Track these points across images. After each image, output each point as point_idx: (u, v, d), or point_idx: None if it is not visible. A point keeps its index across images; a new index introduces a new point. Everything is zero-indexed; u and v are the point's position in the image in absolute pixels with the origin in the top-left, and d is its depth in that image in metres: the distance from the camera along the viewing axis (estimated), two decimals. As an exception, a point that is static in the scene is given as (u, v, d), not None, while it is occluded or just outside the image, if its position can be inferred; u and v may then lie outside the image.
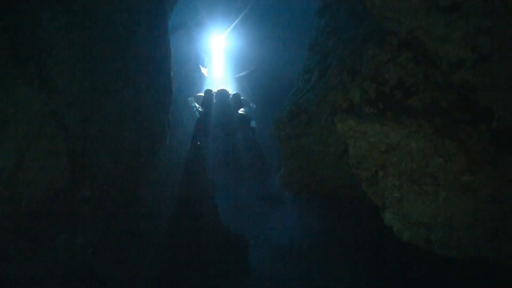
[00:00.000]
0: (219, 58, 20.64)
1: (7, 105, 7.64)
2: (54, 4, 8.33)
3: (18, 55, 7.80)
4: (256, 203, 16.97)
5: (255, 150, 12.74)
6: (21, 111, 7.84)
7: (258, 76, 17.88)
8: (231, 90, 13.06)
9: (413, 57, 6.71)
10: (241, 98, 10.10)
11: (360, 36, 8.23)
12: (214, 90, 11.08)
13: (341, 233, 13.13)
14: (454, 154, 6.32)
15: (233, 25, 19.25)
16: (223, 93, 9.71)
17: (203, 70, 13.22)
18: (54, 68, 8.40)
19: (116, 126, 10.09)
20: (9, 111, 7.67)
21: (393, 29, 6.83)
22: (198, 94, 10.34)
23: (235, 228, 14.86)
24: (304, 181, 10.10)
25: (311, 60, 10.29)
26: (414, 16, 6.39)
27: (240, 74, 12.37)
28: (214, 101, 9.75)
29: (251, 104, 10.34)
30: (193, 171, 13.01)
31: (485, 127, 6.27)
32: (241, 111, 10.15)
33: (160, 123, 11.64)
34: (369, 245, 11.78)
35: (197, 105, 10.20)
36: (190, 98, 10.27)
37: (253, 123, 10.23)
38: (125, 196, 10.92)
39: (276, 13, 20.40)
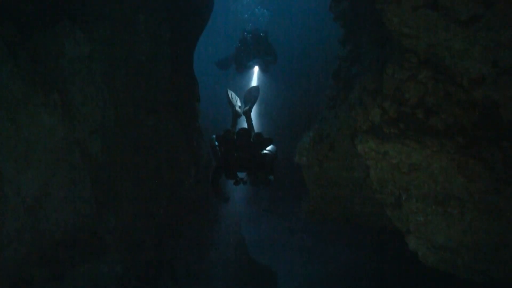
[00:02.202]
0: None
1: (31, 133, 7.68)
2: (77, 33, 8.42)
3: (41, 83, 7.86)
4: (284, 234, 16.80)
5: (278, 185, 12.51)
6: (44, 139, 7.88)
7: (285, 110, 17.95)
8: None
9: (433, 75, 6.54)
10: (265, 137, 9.98)
11: (382, 59, 8.11)
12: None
13: (369, 264, 12.86)
14: (478, 174, 6.10)
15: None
16: (244, 132, 9.60)
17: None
18: (77, 96, 8.45)
19: (139, 154, 10.07)
20: (32, 139, 7.71)
21: (412, 47, 6.68)
22: (218, 134, 10.25)
23: (262, 260, 14.66)
24: (328, 209, 9.92)
25: (334, 88, 10.19)
26: (432, 31, 6.26)
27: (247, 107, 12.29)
28: (235, 141, 9.65)
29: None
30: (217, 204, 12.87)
31: (510, 144, 6.01)
32: (266, 150, 10.02)
33: (185, 153, 11.58)
34: (397, 275, 11.49)
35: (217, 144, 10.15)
36: (213, 136, 10.18)
37: (272, 177, 10.08)
38: (151, 226, 10.84)
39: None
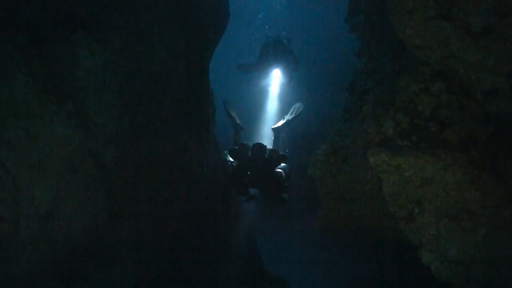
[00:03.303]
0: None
1: (45, 142, 7.70)
2: (91, 43, 8.44)
3: (55, 93, 7.89)
4: (300, 247, 16.69)
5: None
6: (58, 149, 7.89)
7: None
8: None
9: (446, 87, 6.49)
10: (280, 153, 9.86)
11: (396, 72, 8.07)
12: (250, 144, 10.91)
13: (385, 278, 12.74)
14: (492, 188, 6.02)
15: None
16: (259, 147, 9.48)
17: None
18: (91, 106, 8.46)
19: (154, 165, 10.06)
20: (46, 148, 7.72)
21: (425, 59, 6.64)
22: (232, 148, 10.13)
23: (277, 273, 14.56)
24: (341, 222, 9.84)
25: (349, 100, 10.16)
26: (445, 43, 6.21)
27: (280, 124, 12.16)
28: (250, 156, 9.54)
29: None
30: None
31: (524, 158, 5.94)
32: (279, 168, 9.92)
33: (199, 164, 11.57)
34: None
35: (231, 159, 10.02)
36: (225, 151, 10.11)
37: (285, 196, 9.97)
38: (164, 238, 10.82)
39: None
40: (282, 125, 11.88)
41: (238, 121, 11.89)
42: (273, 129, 11.68)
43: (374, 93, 8.29)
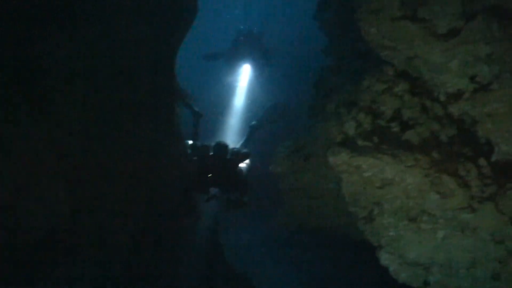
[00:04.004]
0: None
1: (7, 131, 7.52)
2: (57, 35, 8.28)
3: (20, 82, 7.71)
4: (263, 244, 16.65)
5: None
6: (20, 138, 7.72)
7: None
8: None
9: (410, 88, 6.44)
10: (243, 151, 9.78)
11: (361, 71, 8.03)
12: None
13: (345, 277, 12.76)
14: (452, 191, 5.99)
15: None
16: (221, 148, 9.40)
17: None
18: (56, 97, 8.30)
19: (118, 157, 9.92)
20: (8, 137, 7.55)
21: (390, 59, 6.59)
22: (194, 144, 10.01)
23: (240, 269, 14.51)
24: (303, 219, 9.82)
25: (315, 98, 10.12)
26: (410, 44, 6.15)
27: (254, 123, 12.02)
28: (211, 155, 9.46)
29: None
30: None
31: (486, 162, 5.91)
32: (241, 165, 9.84)
33: (165, 158, 11.44)
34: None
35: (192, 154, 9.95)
36: (188, 142, 10.02)
37: (247, 198, 9.89)
38: (128, 229, 10.68)
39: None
40: (259, 124, 11.79)
41: (196, 108, 11.72)
42: (251, 127, 11.57)
43: (338, 91, 8.24)
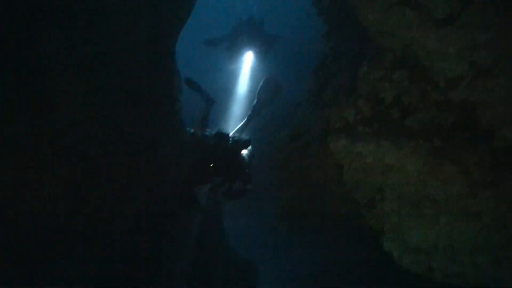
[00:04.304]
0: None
1: (3, 124, 7.51)
2: (53, 28, 8.24)
3: (17, 76, 7.69)
4: (265, 231, 16.64)
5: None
6: (19, 138, 7.71)
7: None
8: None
9: (408, 75, 6.40)
10: (244, 139, 9.72)
11: (359, 57, 7.98)
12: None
13: (350, 263, 12.77)
14: (453, 177, 5.98)
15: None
16: (221, 137, 9.33)
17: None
18: (53, 90, 8.28)
19: (116, 150, 9.89)
20: (4, 131, 7.54)
21: (388, 45, 6.55)
22: (192, 132, 9.94)
23: (244, 255, 14.54)
24: (302, 208, 9.80)
25: (315, 84, 10.07)
26: (408, 30, 6.11)
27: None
28: (211, 144, 9.39)
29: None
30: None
31: (486, 147, 5.88)
32: (243, 153, 9.79)
33: (165, 150, 11.41)
34: (375, 274, 11.39)
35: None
36: (189, 130, 9.96)
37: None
38: (127, 224, 10.66)
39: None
40: (256, 108, 11.69)
41: (208, 93, 11.60)
42: (253, 107, 11.47)
43: (337, 78, 8.20)
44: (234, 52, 18.51)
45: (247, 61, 19.13)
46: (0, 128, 7.34)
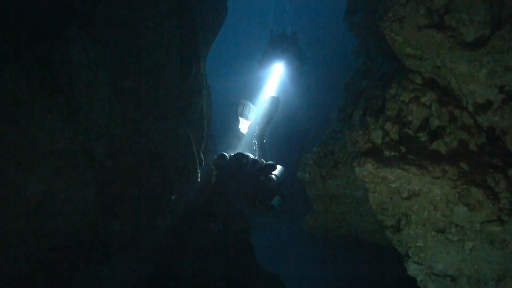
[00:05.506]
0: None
1: (36, 135, 7.64)
2: (84, 38, 8.35)
3: (47, 87, 7.81)
4: (295, 243, 16.59)
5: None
6: (49, 142, 7.83)
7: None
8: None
9: (437, 98, 6.30)
10: (266, 163, 9.68)
11: (390, 75, 7.89)
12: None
13: (374, 280, 12.66)
14: (481, 202, 5.84)
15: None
16: (238, 158, 9.30)
17: (243, 124, 12.35)
18: (83, 100, 8.41)
19: (146, 160, 9.96)
20: (37, 141, 7.67)
21: (416, 68, 6.45)
22: (215, 158, 9.97)
23: (270, 268, 14.47)
24: (331, 224, 9.73)
25: (345, 100, 9.99)
26: (437, 52, 6.01)
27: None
28: (230, 167, 9.38)
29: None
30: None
31: (516, 173, 5.76)
32: (272, 174, 9.74)
33: (192, 160, 11.43)
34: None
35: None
36: (215, 158, 10.00)
37: (276, 201, 9.74)
38: (156, 233, 10.73)
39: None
40: (262, 127, 11.62)
41: (240, 129, 11.55)
42: (256, 138, 11.42)
43: (366, 97, 8.12)
44: (265, 64, 18.53)
45: (277, 72, 19.10)
46: (31, 132, 7.48)
